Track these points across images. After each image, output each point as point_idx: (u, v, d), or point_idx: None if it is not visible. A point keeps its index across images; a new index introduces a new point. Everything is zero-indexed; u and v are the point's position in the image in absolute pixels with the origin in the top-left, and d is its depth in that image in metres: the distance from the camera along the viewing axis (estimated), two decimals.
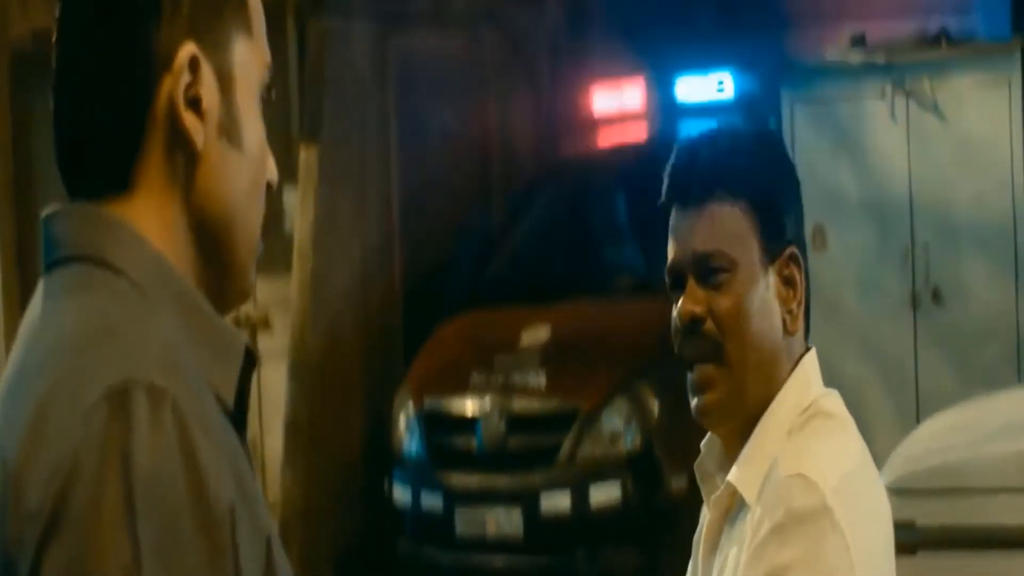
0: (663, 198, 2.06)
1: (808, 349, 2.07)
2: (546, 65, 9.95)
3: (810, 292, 2.07)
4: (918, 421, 7.56)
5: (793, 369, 2.03)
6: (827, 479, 1.87)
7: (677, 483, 7.16)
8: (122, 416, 1.25)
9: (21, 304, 9.28)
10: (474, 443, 7.41)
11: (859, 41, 8.56)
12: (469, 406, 7.49)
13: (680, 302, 2.02)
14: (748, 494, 1.96)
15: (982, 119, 8.14)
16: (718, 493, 2.03)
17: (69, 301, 1.37)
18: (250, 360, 1.44)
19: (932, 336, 8.23)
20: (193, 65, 1.41)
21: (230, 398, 1.41)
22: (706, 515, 2.11)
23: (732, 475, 1.99)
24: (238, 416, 1.42)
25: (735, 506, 2.00)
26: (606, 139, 10.14)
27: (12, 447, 1.29)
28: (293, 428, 8.20)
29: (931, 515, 5.09)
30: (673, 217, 2.05)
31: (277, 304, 8.24)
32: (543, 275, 8.58)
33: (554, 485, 7.22)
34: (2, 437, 1.32)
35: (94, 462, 1.24)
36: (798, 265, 2.05)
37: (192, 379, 1.34)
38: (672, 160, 2.06)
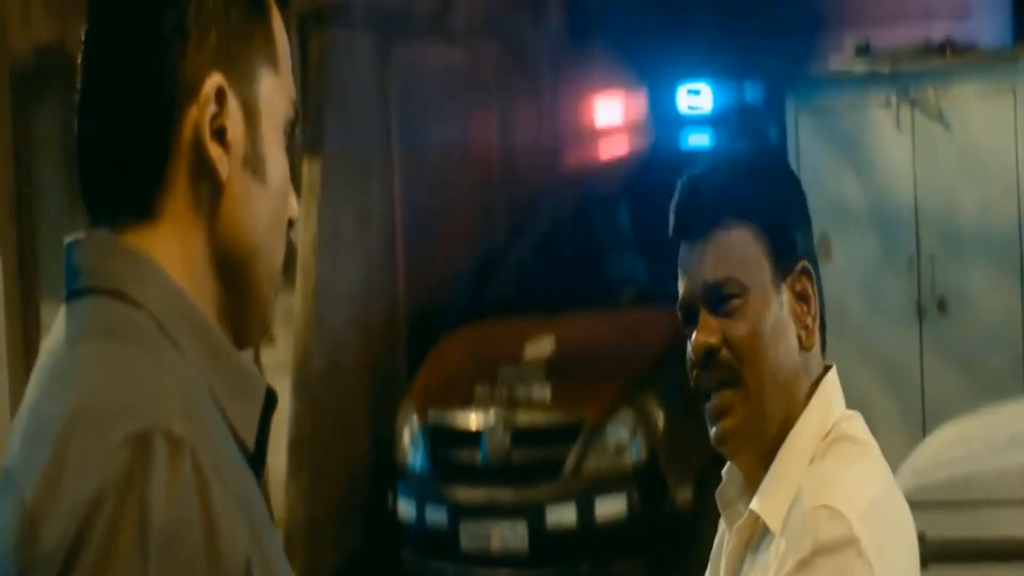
0: (670, 233, 2.04)
1: (828, 368, 2.04)
2: (548, 77, 9.93)
3: (824, 305, 2.05)
4: (924, 430, 7.54)
5: (813, 387, 2.01)
6: (853, 507, 1.85)
7: (683, 495, 7.14)
8: (141, 463, 1.25)
9: (23, 317, 9.26)
10: (478, 456, 7.39)
11: (863, 50, 8.55)
12: (473, 419, 7.47)
13: (694, 335, 2.00)
14: (772, 523, 1.93)
15: (987, 127, 8.12)
16: (741, 521, 2.01)
17: (91, 343, 1.36)
18: (270, 401, 1.43)
19: (938, 345, 8.21)
20: (219, 96, 1.40)
21: (250, 440, 1.40)
22: (725, 540, 2.08)
23: (755, 503, 1.97)
24: (257, 456, 1.41)
25: (758, 534, 1.98)
26: (608, 150, 10.12)
27: (30, 486, 1.29)
28: (297, 442, 8.18)
29: (941, 528, 5.07)
30: (681, 251, 2.04)
31: (280, 318, 8.22)
32: (546, 287, 8.57)
33: (559, 498, 7.20)
34: (21, 474, 1.31)
35: (111, 508, 1.24)
36: (810, 279, 2.03)
37: (212, 424, 1.33)
38: (676, 195, 2.04)
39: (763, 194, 2.01)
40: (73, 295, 1.40)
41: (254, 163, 1.43)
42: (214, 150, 1.40)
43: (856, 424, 2.01)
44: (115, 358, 1.33)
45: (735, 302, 1.98)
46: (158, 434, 1.26)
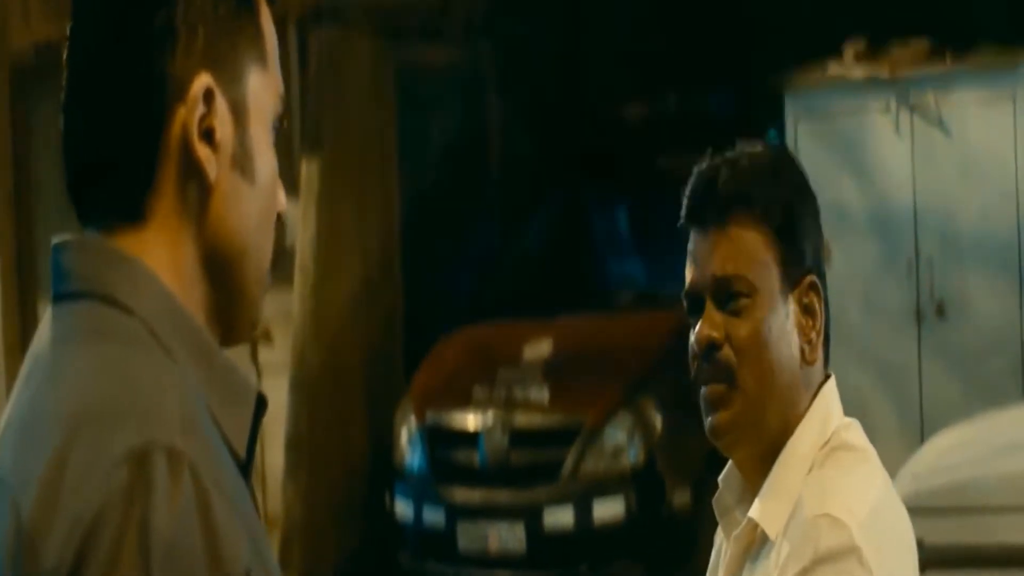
0: (682, 220, 2.03)
1: (828, 377, 2.04)
2: (546, 78, 9.93)
3: (830, 322, 2.04)
4: (922, 435, 7.54)
5: (812, 399, 2.00)
6: (854, 516, 1.85)
7: (680, 498, 7.14)
8: (142, 480, 1.25)
9: (21, 315, 9.25)
10: (476, 458, 7.39)
11: (863, 56, 8.53)
12: (471, 420, 7.47)
13: (698, 326, 1.99)
14: (771, 530, 1.93)
15: (987, 134, 8.11)
16: (739, 530, 2.00)
17: (83, 345, 1.35)
18: (260, 407, 1.43)
19: (936, 350, 8.20)
20: (208, 96, 1.39)
21: (242, 448, 1.40)
22: (722, 548, 2.08)
23: (754, 511, 1.97)
24: (246, 462, 1.41)
25: (757, 542, 1.98)
26: (607, 152, 10.11)
27: (28, 499, 1.28)
28: (294, 442, 8.17)
29: (940, 533, 5.06)
30: (692, 239, 2.03)
31: (278, 317, 8.22)
32: (545, 289, 8.56)
33: (557, 500, 7.20)
34: (15, 483, 1.30)
35: (113, 526, 1.23)
36: (818, 294, 2.02)
37: (209, 435, 1.33)
38: (691, 181, 2.03)
39: (780, 200, 2.00)
40: (62, 298, 1.39)
41: (243, 162, 1.42)
42: (202, 151, 1.39)
43: (855, 432, 2.01)
44: (111, 362, 1.32)
45: (743, 301, 1.97)
46: (158, 449, 1.26)
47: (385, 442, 7.89)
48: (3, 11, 9.25)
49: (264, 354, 8.56)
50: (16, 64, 9.37)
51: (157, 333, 1.36)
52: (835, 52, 8.49)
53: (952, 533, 5.19)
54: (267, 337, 8.53)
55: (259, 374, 8.58)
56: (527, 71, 9.71)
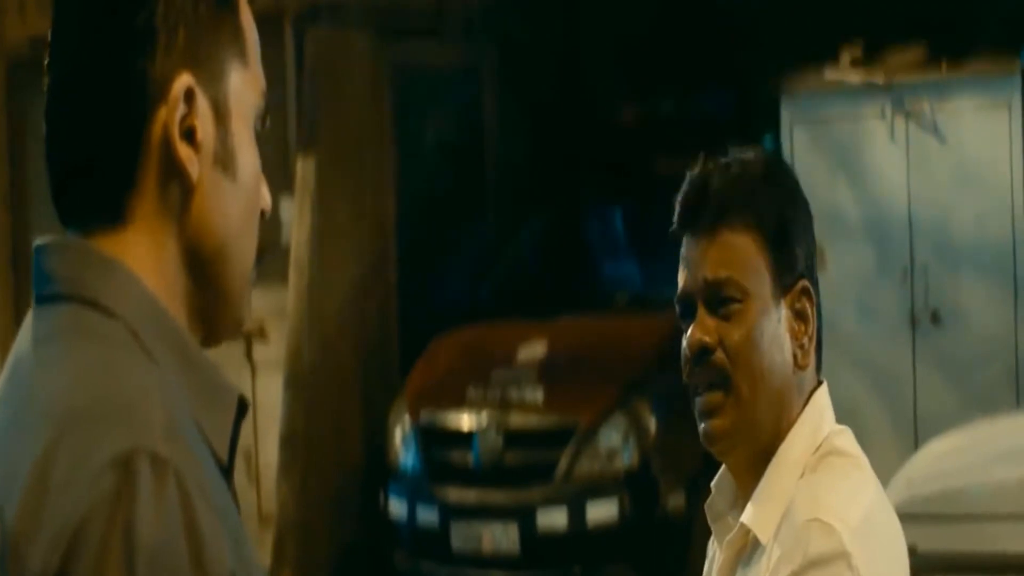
0: (674, 225, 2.04)
1: (820, 383, 2.05)
2: (544, 78, 9.93)
3: (822, 327, 2.05)
4: (916, 442, 7.55)
5: (805, 404, 2.01)
6: (845, 522, 1.86)
7: (674, 501, 7.15)
8: (126, 486, 1.25)
9: (15, 311, 9.24)
10: (470, 458, 7.39)
11: (859, 62, 8.54)
12: (466, 421, 7.47)
13: (690, 331, 2.01)
14: (763, 535, 1.94)
15: (982, 141, 8.12)
16: (732, 535, 2.01)
17: (67, 349, 1.35)
18: (241, 410, 1.43)
19: (931, 357, 8.21)
20: (189, 96, 1.39)
21: (224, 451, 1.40)
22: (715, 554, 2.09)
23: (746, 516, 1.98)
24: (227, 465, 1.41)
25: (749, 546, 1.99)
26: (605, 154, 10.11)
27: (12, 504, 1.28)
28: (289, 440, 8.17)
29: (933, 540, 5.07)
30: (684, 245, 2.04)
31: (273, 314, 8.22)
32: (541, 290, 8.56)
33: (551, 501, 7.20)
34: (0, 486, 1.30)
35: (98, 533, 1.24)
36: (810, 299, 2.03)
37: (192, 440, 1.33)
38: (683, 187, 2.04)
39: (771, 205, 2.01)
40: (44, 300, 1.39)
41: (225, 161, 1.42)
42: (184, 151, 1.39)
43: (846, 438, 2.01)
44: (94, 365, 1.32)
45: (734, 306, 1.98)
46: (142, 455, 1.26)
47: (379, 441, 7.90)
48: None
49: (259, 351, 8.56)
50: (12, 58, 9.36)
51: (139, 336, 1.35)
52: (831, 57, 8.49)
53: (945, 540, 5.20)
54: (262, 334, 8.53)
55: (254, 371, 8.58)
56: (524, 72, 9.70)
